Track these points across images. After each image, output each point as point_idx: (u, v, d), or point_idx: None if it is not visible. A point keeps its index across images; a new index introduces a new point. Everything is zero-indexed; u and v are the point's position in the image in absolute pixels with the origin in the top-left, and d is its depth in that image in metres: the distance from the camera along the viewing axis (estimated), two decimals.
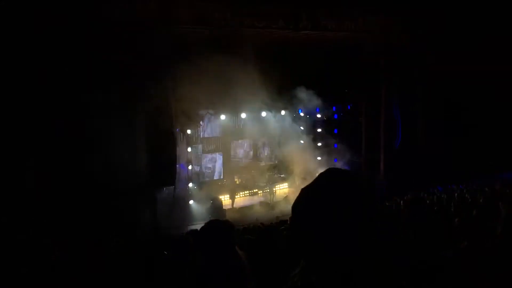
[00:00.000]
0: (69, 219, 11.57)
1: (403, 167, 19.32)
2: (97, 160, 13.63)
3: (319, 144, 22.27)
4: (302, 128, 21.82)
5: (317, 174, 1.49)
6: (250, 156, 21.94)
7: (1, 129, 12.28)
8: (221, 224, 2.78)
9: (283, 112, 21.24)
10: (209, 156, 20.69)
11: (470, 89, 18.22)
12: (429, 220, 3.80)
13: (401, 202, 11.90)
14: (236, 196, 19.91)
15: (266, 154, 22.46)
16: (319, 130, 22.55)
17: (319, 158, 21.64)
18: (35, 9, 12.00)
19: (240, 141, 21.60)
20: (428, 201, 11.47)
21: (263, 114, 20.75)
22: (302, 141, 21.58)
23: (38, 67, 12.34)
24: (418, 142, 20.55)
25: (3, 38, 11.80)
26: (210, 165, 20.75)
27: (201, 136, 20.26)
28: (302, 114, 22.00)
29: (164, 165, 15.90)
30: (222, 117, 20.11)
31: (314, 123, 22.54)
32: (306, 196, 1.42)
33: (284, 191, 21.17)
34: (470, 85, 18.03)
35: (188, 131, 18.65)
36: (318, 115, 22.45)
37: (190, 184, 18.95)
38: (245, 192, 20.58)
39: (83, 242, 8.51)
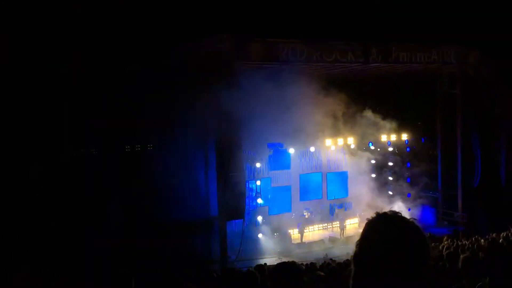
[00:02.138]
0: (144, 255, 11.99)
1: (483, 206, 18.21)
2: (170, 195, 14.15)
3: (390, 178, 21.59)
4: (373, 161, 21.30)
5: (386, 209, 1.59)
6: (319, 189, 21.65)
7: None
8: (290, 268, 2.79)
9: (352, 146, 20.89)
10: (278, 189, 20.68)
11: None
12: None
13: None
14: (305, 231, 19.62)
15: (336, 187, 22.05)
16: (390, 163, 21.88)
17: (390, 192, 20.96)
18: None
19: (309, 174, 21.43)
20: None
21: (333, 147, 20.54)
22: (373, 175, 21.06)
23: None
24: (500, 180, 19.29)
25: None
26: (279, 199, 20.72)
27: (270, 169, 20.33)
28: (372, 147, 21.50)
29: (233, 198, 16.09)
30: (291, 150, 20.13)
31: (386, 157, 21.91)
32: (363, 241, 1.52)
33: (355, 226, 20.59)
34: None
35: (258, 164, 18.81)
36: (390, 148, 21.81)
37: (259, 218, 18.97)
38: (314, 226, 20.25)
39: (156, 276, 8.74)
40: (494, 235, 14.74)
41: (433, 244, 14.84)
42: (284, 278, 2.72)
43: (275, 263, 3.02)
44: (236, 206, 16.29)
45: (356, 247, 1.53)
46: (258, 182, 19.04)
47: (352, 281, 1.51)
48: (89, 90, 13.25)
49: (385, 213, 1.55)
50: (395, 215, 1.53)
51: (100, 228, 13.08)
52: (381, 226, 1.52)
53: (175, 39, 13.57)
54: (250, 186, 18.72)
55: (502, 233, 14.15)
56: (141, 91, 13.81)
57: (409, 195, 20.93)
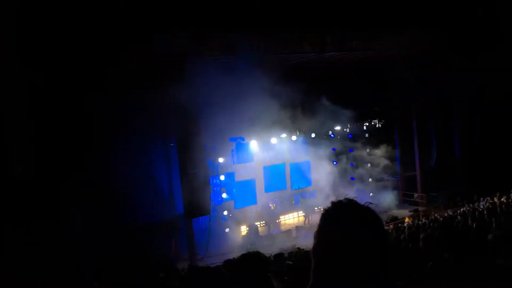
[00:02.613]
0: (109, 257, 11.75)
1: (441, 184, 18.91)
2: (135, 192, 13.86)
3: (351, 164, 22.08)
4: (334, 149, 21.68)
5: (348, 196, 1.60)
6: (283, 180, 21.85)
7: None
8: (254, 258, 2.78)
9: (313, 135, 21.18)
10: (242, 182, 20.73)
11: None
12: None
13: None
14: (272, 222, 19.79)
15: (300, 176, 22.30)
16: (350, 150, 22.35)
17: (352, 178, 21.44)
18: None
19: (272, 165, 21.57)
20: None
21: (293, 138, 20.79)
22: (335, 163, 21.45)
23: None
24: (455, 158, 20.07)
25: None
26: (244, 192, 20.78)
27: (233, 163, 20.33)
28: (332, 135, 21.90)
29: (198, 195, 16.00)
30: (253, 143, 20.18)
31: (346, 144, 22.38)
32: (322, 227, 1.55)
33: (319, 214, 20.87)
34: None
35: (220, 159, 18.77)
36: (349, 136, 22.34)
37: (225, 212, 18.97)
38: (281, 217, 20.45)
39: (123, 276, 8.60)
40: (451, 212, 15.34)
41: (395, 224, 15.29)
42: (248, 269, 2.71)
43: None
44: (201, 202, 16.20)
45: (314, 239, 1.54)
46: (222, 177, 19.02)
47: (312, 273, 1.51)
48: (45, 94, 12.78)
49: (339, 201, 1.55)
50: (349, 202, 1.54)
51: (60, 235, 12.70)
52: (336, 215, 1.53)
53: (129, 37, 13.22)
54: (214, 181, 18.66)
55: (459, 210, 14.76)
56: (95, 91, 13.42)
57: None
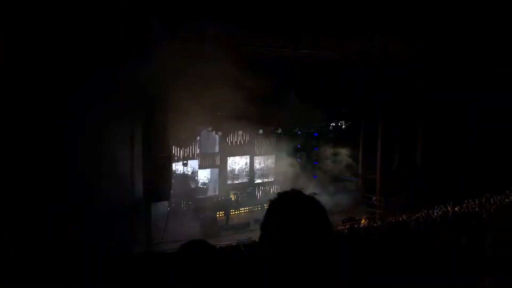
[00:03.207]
0: (64, 238, 11.42)
1: (400, 189, 19.39)
2: (93, 174, 13.52)
3: (315, 162, 22.40)
4: (299, 146, 21.90)
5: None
6: (246, 173, 21.92)
7: None
8: (197, 246, 2.69)
9: (279, 130, 21.36)
10: (205, 172, 20.69)
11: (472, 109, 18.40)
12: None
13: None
14: (231, 213, 19.82)
15: (262, 171, 22.43)
16: (315, 148, 22.65)
17: (314, 176, 21.75)
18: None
19: (236, 157, 21.61)
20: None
21: (260, 131, 20.88)
22: (298, 159, 21.68)
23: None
24: (417, 163, 20.60)
25: None
26: (206, 181, 20.74)
27: (198, 152, 20.25)
28: (299, 132, 22.12)
29: (160, 180, 15.84)
30: (220, 133, 20.13)
31: (311, 142, 22.66)
32: (268, 218, 1.55)
33: None
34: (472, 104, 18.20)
35: (185, 147, 18.66)
36: (315, 134, 22.62)
37: (186, 200, 18.90)
38: (240, 209, 20.51)
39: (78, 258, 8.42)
40: (405, 217, 15.77)
41: (352, 224, 15.60)
42: (191, 256, 2.62)
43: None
44: (161, 188, 16.09)
45: (260, 230, 1.54)
46: (186, 165, 18.92)
47: (259, 265, 1.55)
48: None
49: (285, 192, 1.57)
50: (294, 192, 1.57)
51: (12, 223, 12.19)
52: (281, 205, 1.54)
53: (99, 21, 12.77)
54: (177, 168, 18.54)
55: (413, 215, 15.20)
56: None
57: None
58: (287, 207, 1.52)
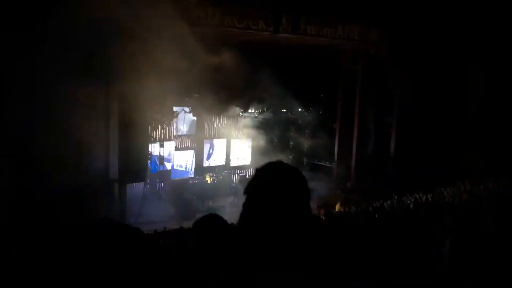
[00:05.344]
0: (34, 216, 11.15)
1: (374, 175, 19.68)
2: (66, 151, 13.17)
3: (291, 147, 22.54)
4: (276, 131, 21.98)
5: None
6: (222, 155, 21.87)
7: None
8: (214, 220, 2.76)
9: (256, 114, 21.36)
10: (182, 153, 20.52)
11: (447, 99, 18.69)
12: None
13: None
14: (207, 195, 19.77)
15: (239, 154, 22.42)
16: (292, 133, 22.77)
17: (290, 157, 21.92)
18: None
19: (214, 140, 21.52)
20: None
21: (238, 114, 20.86)
22: (275, 144, 21.77)
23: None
24: (390, 151, 20.92)
25: None
26: (182, 163, 20.58)
27: (175, 133, 20.05)
28: (276, 116, 22.19)
29: (136, 161, 15.63)
30: (197, 115, 19.96)
31: (288, 127, 22.74)
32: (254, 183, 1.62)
33: None
34: (447, 95, 18.49)
35: (162, 127, 18.46)
36: (292, 118, 22.74)
37: (161, 182, 18.75)
38: (216, 191, 20.46)
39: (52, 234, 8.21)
40: (377, 204, 16.04)
41: (326, 210, 15.78)
42: (208, 231, 2.67)
43: (178, 226, 2.93)
44: (137, 169, 15.90)
45: (244, 193, 1.61)
46: (161, 146, 18.72)
47: (239, 224, 1.58)
48: None
49: (270, 162, 1.68)
50: (280, 162, 1.69)
51: None
52: (266, 171, 1.64)
53: None
54: (153, 149, 18.34)
55: (385, 202, 15.47)
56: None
57: None
58: (272, 172, 1.63)
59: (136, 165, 15.66)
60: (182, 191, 18.88)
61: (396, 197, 16.42)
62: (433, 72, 18.46)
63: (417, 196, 16.03)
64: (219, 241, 2.64)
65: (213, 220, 2.79)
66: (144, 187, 17.36)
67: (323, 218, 11.80)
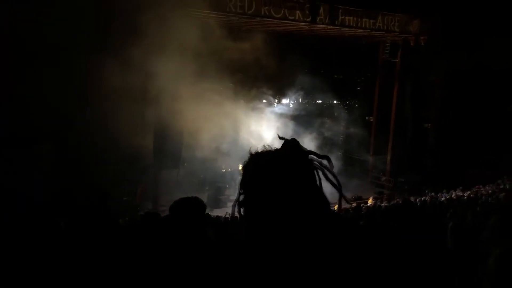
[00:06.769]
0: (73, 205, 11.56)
1: (409, 169, 19.33)
2: (104, 138, 13.54)
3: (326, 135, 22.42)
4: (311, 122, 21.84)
5: None
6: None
7: None
8: (192, 201, 2.79)
9: (291, 105, 21.26)
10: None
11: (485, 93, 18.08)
12: None
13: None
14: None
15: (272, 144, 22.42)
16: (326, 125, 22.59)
17: (324, 149, 21.74)
18: None
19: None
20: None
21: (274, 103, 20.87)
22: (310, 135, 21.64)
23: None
24: (428, 146, 20.44)
25: None
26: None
27: None
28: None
29: (170, 147, 15.98)
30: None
31: (323, 117, 22.55)
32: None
33: None
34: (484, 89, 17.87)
35: None
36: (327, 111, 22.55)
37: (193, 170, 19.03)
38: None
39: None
40: (412, 198, 15.71)
41: (358, 203, 15.61)
42: (185, 211, 2.70)
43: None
44: (172, 156, 16.30)
45: (242, 191, 1.53)
46: None
47: (234, 207, 1.52)
48: None
49: (256, 151, 1.58)
50: (265, 149, 1.58)
51: (30, 171, 12.35)
52: (266, 152, 1.56)
53: None
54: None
55: (420, 198, 15.13)
56: None
57: None
58: (273, 153, 1.57)
59: (170, 153, 16.01)
60: (214, 179, 19.08)
61: (431, 194, 16.06)
62: (473, 66, 17.81)
63: (453, 193, 15.63)
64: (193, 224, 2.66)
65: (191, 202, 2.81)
66: (177, 174, 17.68)
67: (351, 211, 11.70)
